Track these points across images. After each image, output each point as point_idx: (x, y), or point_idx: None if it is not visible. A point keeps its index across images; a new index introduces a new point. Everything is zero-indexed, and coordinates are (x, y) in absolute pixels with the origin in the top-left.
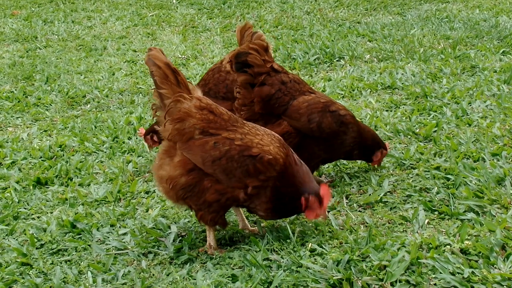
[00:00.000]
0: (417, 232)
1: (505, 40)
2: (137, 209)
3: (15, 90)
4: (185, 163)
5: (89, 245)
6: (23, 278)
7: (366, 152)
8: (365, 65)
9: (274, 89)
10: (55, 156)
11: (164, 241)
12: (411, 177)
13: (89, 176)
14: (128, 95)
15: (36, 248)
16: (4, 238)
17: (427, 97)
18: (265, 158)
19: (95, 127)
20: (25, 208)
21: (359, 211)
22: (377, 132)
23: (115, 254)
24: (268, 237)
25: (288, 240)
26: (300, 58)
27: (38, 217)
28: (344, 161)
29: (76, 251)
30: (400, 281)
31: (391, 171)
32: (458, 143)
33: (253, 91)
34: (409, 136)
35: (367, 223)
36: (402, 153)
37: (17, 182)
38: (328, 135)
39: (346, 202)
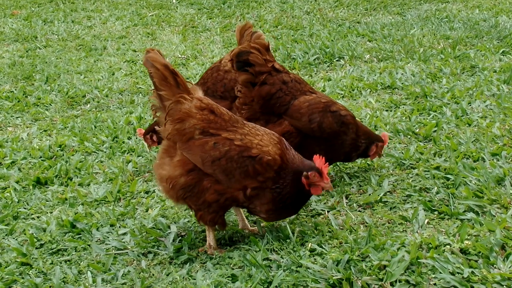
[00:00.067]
0: (417, 232)
1: (505, 40)
2: (137, 209)
3: (15, 90)
4: (184, 163)
5: (89, 245)
6: (22, 278)
7: (363, 150)
8: (365, 65)
9: (275, 88)
10: (55, 156)
11: (164, 241)
12: (411, 177)
13: (89, 176)
14: (128, 95)
15: (36, 248)
16: (3, 238)
17: (427, 97)
18: (264, 159)
19: (95, 127)
20: (24, 208)
21: (359, 211)
22: (376, 132)
23: (114, 254)
24: (268, 237)
25: (288, 240)
26: (300, 58)
27: (38, 217)
28: None
29: (75, 251)
30: (400, 281)
31: (391, 171)
32: (458, 143)
33: (254, 90)
34: (409, 136)
35: (367, 223)
36: (402, 153)
37: (17, 182)
38: (329, 135)
39: (346, 202)
